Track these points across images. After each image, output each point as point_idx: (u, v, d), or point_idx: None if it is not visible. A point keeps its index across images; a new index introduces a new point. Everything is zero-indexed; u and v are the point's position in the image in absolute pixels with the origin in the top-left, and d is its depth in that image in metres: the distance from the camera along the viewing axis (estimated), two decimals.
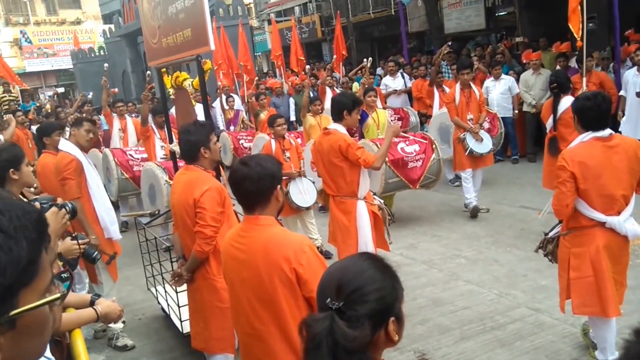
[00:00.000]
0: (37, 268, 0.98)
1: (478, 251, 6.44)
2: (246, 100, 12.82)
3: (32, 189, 5.24)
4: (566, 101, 5.96)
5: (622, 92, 8.64)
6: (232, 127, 12.04)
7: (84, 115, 9.86)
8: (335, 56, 13.32)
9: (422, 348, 4.47)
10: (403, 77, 11.61)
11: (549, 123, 6.30)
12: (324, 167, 4.93)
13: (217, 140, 3.87)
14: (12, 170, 3.47)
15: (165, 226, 6.64)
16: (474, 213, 7.58)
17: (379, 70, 14.69)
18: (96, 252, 3.32)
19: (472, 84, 7.82)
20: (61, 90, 29.97)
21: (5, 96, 14.75)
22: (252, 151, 9.83)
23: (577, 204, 3.74)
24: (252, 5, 27.50)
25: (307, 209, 6.66)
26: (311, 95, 9.13)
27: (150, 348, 5.06)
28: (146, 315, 5.73)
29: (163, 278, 5.07)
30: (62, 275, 2.18)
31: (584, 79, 7.42)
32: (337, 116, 4.88)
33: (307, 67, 13.80)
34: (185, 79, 5.08)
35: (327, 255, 6.25)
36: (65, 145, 4.94)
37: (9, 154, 3.51)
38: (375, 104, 7.73)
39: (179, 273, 3.83)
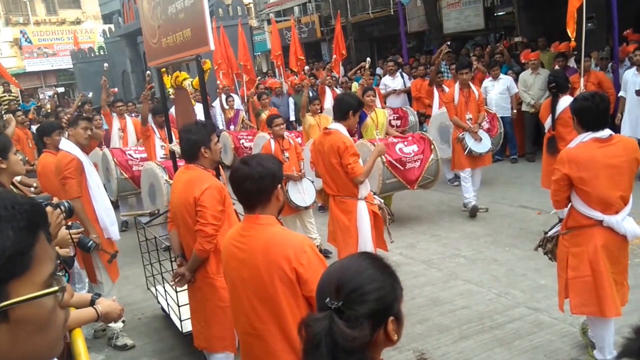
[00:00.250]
0: (30, 259, 0.97)
1: (477, 251, 6.45)
2: (246, 100, 12.84)
3: (31, 189, 5.26)
4: (565, 101, 5.97)
5: (621, 93, 8.64)
6: (232, 127, 12.05)
7: (83, 114, 9.86)
8: (334, 56, 13.32)
9: (421, 347, 4.48)
10: (402, 76, 11.62)
11: (547, 123, 6.31)
12: (324, 167, 4.94)
13: (218, 141, 3.88)
14: None
15: (165, 225, 6.63)
16: (473, 212, 7.59)
17: (378, 70, 14.70)
18: (91, 241, 3.31)
19: (471, 84, 7.83)
20: (61, 90, 29.94)
21: (5, 96, 14.76)
22: (252, 150, 9.84)
23: (576, 204, 3.76)
24: (251, 5, 27.49)
25: (306, 208, 6.67)
26: (310, 95, 9.14)
27: (150, 347, 5.07)
28: (146, 314, 5.74)
29: (163, 277, 5.08)
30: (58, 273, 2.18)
31: (582, 79, 7.43)
32: (341, 116, 4.88)
33: (306, 67, 13.82)
34: (185, 79, 5.08)
35: (326, 254, 6.26)
36: (66, 144, 4.94)
37: None
38: (373, 104, 7.73)
39: (181, 273, 3.83)
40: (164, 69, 5.41)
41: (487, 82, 10.04)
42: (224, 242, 2.83)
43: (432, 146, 7.48)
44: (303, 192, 6.61)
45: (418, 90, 10.83)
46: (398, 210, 7.98)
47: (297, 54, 14.44)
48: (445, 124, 8.61)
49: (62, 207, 2.57)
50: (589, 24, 7.45)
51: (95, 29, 37.65)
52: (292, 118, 11.97)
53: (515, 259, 6.05)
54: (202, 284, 3.78)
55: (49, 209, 2.50)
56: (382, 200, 5.46)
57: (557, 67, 9.37)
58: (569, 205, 3.87)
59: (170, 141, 5.67)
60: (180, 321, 4.60)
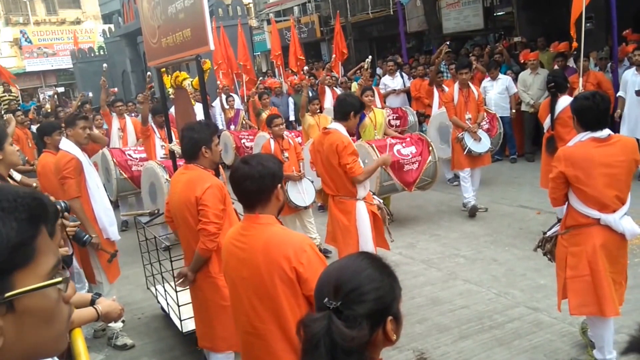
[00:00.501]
0: (33, 250, 0.98)
1: (477, 250, 6.46)
2: (245, 100, 12.86)
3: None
4: (564, 101, 5.98)
5: (620, 93, 8.64)
6: (232, 127, 12.05)
7: (82, 114, 9.87)
8: (334, 55, 13.33)
9: (420, 347, 4.48)
10: (402, 76, 11.63)
11: (546, 122, 6.32)
12: (323, 167, 4.95)
13: (219, 143, 3.89)
14: None
15: (165, 225, 6.64)
16: (472, 212, 7.60)
17: (378, 70, 14.71)
18: (87, 235, 3.31)
19: (470, 84, 7.84)
20: (61, 89, 29.97)
21: (5, 95, 14.76)
22: (253, 150, 9.86)
23: (573, 202, 3.78)
24: (251, 5, 27.50)
25: (306, 208, 6.68)
26: (310, 94, 9.15)
27: (150, 347, 5.07)
28: (146, 314, 5.74)
29: (163, 277, 5.08)
30: None
31: (581, 79, 7.44)
32: (342, 116, 4.88)
33: (306, 67, 13.83)
34: (184, 79, 5.09)
35: (325, 253, 6.25)
36: (66, 144, 4.95)
37: None
38: (372, 104, 7.73)
39: (183, 273, 3.82)
40: (164, 69, 5.41)
41: (486, 82, 10.04)
42: (224, 242, 2.84)
43: (430, 147, 7.47)
44: (302, 192, 6.61)
45: (417, 90, 10.84)
46: (398, 210, 7.99)
47: (296, 54, 14.45)
48: (445, 124, 8.62)
49: (59, 207, 2.57)
50: (588, 24, 7.45)
51: (95, 29, 37.67)
52: (292, 118, 11.98)
53: (515, 258, 6.06)
54: (203, 283, 3.77)
55: None
56: (381, 200, 5.46)
57: (556, 67, 9.37)
58: (567, 205, 3.88)
59: (170, 141, 5.68)
60: (180, 321, 4.60)
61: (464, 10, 15.31)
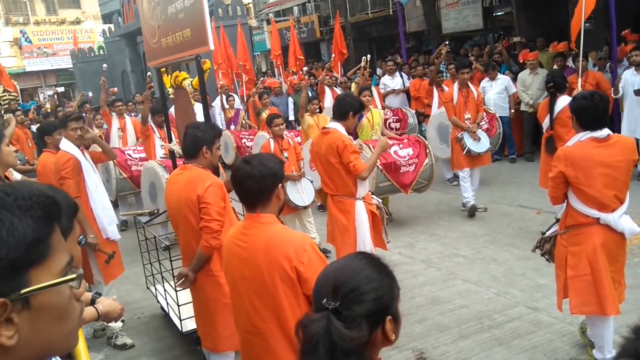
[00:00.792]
0: (48, 247, 1.00)
1: (476, 250, 6.46)
2: (245, 100, 12.86)
3: None
4: (563, 101, 5.99)
5: (615, 95, 8.63)
6: (232, 127, 12.05)
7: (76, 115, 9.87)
8: (333, 55, 13.34)
9: (420, 347, 4.49)
10: (401, 76, 11.65)
11: (545, 122, 6.33)
12: (322, 167, 4.95)
13: (220, 146, 3.89)
14: None
15: (165, 225, 6.65)
16: (471, 212, 7.60)
17: (378, 70, 14.71)
18: (82, 236, 3.30)
19: (469, 84, 7.85)
20: (61, 89, 29.94)
21: (5, 95, 14.74)
22: (252, 149, 9.86)
23: (572, 202, 3.79)
24: (251, 5, 27.51)
25: (305, 208, 6.68)
26: (310, 94, 9.15)
27: (150, 347, 5.07)
28: (145, 314, 5.75)
29: (162, 277, 5.08)
30: None
31: (580, 79, 7.44)
32: (341, 115, 4.88)
33: (305, 68, 13.83)
34: (184, 79, 5.09)
35: (325, 252, 6.26)
36: (66, 144, 4.95)
37: None
38: (369, 104, 7.73)
39: (184, 274, 3.81)
40: (164, 69, 5.42)
41: (485, 82, 10.03)
42: (225, 241, 2.85)
43: (428, 150, 7.46)
44: (302, 192, 6.62)
45: (417, 90, 10.85)
46: (397, 210, 8.00)
47: (296, 54, 14.45)
48: (445, 124, 8.62)
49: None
50: (587, 24, 7.46)
51: (95, 29, 37.65)
52: (292, 118, 11.98)
53: (514, 258, 6.07)
54: (205, 282, 3.77)
55: None
56: (380, 200, 5.47)
57: (555, 67, 9.38)
58: (567, 205, 3.89)
59: (170, 141, 5.68)
60: (180, 320, 4.60)
61: (464, 10, 15.32)
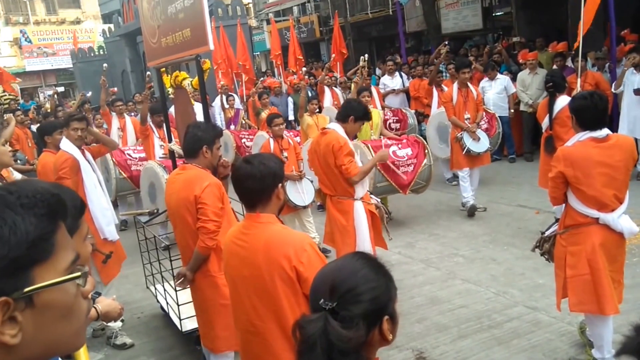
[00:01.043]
0: (52, 245, 0.99)
1: (475, 250, 6.47)
2: (245, 100, 12.86)
3: None
4: (562, 100, 6.00)
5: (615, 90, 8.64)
6: (232, 126, 12.06)
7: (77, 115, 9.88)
8: (333, 55, 13.34)
9: (419, 346, 4.49)
10: (401, 76, 11.66)
11: (545, 122, 6.34)
12: (321, 167, 4.95)
13: (220, 146, 3.90)
14: None
15: (165, 225, 6.65)
16: (471, 212, 7.61)
17: (377, 71, 14.72)
18: None
19: (469, 84, 7.86)
20: (61, 89, 29.96)
21: (5, 95, 14.74)
22: (252, 149, 9.86)
23: (572, 201, 3.79)
24: (250, 5, 27.51)
25: (305, 207, 6.68)
26: (309, 94, 9.16)
27: (149, 346, 5.08)
28: (145, 313, 5.75)
29: (162, 276, 5.09)
30: None
31: (579, 80, 7.45)
32: (342, 117, 4.87)
33: (304, 68, 13.84)
34: (184, 79, 5.09)
35: (325, 252, 6.25)
36: (66, 144, 4.95)
37: None
38: (369, 104, 7.72)
39: (182, 273, 3.82)
40: (164, 69, 5.42)
41: (485, 82, 10.03)
42: (225, 240, 2.85)
43: (426, 150, 7.45)
44: (302, 192, 6.62)
45: (416, 90, 10.85)
46: (397, 209, 8.00)
47: (296, 54, 14.46)
48: (444, 124, 8.63)
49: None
50: None
51: (95, 29, 37.65)
52: (291, 118, 11.99)
53: (514, 258, 6.07)
54: (203, 283, 3.78)
55: None
56: (379, 200, 5.47)
57: (555, 67, 9.39)
58: (566, 205, 3.89)
59: (169, 140, 5.69)
60: (180, 320, 4.61)
61: (463, 11, 15.33)
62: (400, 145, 7.39)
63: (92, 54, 29.24)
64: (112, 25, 26.57)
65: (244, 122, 12.12)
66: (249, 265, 2.59)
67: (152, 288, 5.54)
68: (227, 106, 12.18)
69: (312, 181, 6.78)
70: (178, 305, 4.50)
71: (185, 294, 4.27)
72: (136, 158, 8.45)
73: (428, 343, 4.53)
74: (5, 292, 0.93)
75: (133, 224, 6.54)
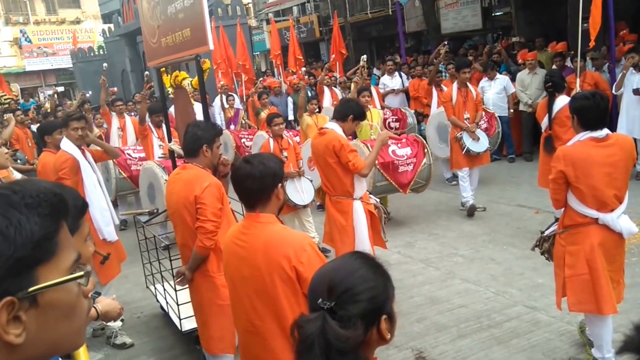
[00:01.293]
0: (56, 245, 1.00)
1: (475, 249, 6.47)
2: (244, 100, 12.87)
3: None
4: (561, 100, 6.01)
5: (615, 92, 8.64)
6: (232, 126, 12.07)
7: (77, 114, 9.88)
8: (333, 55, 13.33)
9: (419, 346, 4.49)
10: (400, 76, 11.67)
11: (544, 122, 6.34)
12: (320, 167, 4.96)
13: (220, 145, 3.91)
14: None
15: (164, 224, 6.66)
16: (470, 212, 7.61)
17: (376, 70, 14.71)
18: None
19: (468, 84, 7.86)
20: (61, 89, 29.95)
21: (5, 94, 14.74)
22: (252, 149, 9.87)
23: (571, 202, 3.79)
24: (250, 5, 27.50)
25: (304, 207, 6.69)
26: (309, 94, 9.17)
27: (149, 346, 5.08)
28: (145, 313, 5.76)
29: (162, 276, 5.09)
30: None
31: (578, 79, 7.45)
32: (340, 116, 4.86)
33: (304, 68, 13.84)
34: (184, 79, 5.10)
35: (324, 252, 6.25)
36: (66, 144, 4.95)
37: None
38: (369, 104, 7.73)
39: (182, 272, 3.83)
40: (164, 69, 5.43)
41: (484, 82, 10.04)
42: (225, 240, 2.86)
43: (426, 150, 7.46)
44: (301, 191, 6.62)
45: (416, 90, 10.86)
46: (396, 209, 8.01)
47: (295, 54, 14.46)
48: (444, 124, 8.63)
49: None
50: (585, 24, 7.46)
51: (95, 29, 37.66)
52: (291, 117, 12.00)
53: (513, 257, 6.08)
54: (201, 282, 3.78)
55: None
56: (378, 200, 5.47)
57: (554, 67, 9.39)
58: (565, 205, 3.89)
59: (169, 140, 5.69)
60: (180, 320, 4.61)
61: (463, 11, 15.34)
62: (399, 145, 7.40)
63: (92, 54, 29.24)
64: (112, 25, 26.58)
65: (243, 122, 12.12)
66: (249, 265, 2.60)
67: (152, 288, 5.54)
68: (226, 106, 12.19)
69: (311, 180, 6.79)
70: (178, 305, 4.50)
71: (185, 294, 4.27)
72: (136, 158, 8.45)
73: (427, 343, 4.54)
74: (10, 292, 0.94)
75: (133, 223, 6.54)
